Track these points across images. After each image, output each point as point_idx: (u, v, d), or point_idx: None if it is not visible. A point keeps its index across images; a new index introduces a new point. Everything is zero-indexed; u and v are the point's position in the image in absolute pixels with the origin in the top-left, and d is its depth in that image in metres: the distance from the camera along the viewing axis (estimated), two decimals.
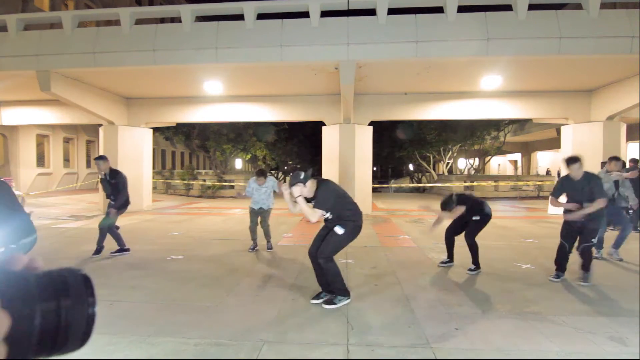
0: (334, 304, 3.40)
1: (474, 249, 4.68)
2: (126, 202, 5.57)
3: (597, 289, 4.00)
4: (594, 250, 4.61)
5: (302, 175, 3.36)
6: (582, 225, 4.16)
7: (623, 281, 4.26)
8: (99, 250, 5.49)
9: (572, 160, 4.11)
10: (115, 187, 5.40)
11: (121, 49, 8.19)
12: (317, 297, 3.59)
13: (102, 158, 5.45)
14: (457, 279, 4.38)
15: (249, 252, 5.79)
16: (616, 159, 5.73)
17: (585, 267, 4.21)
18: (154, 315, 3.24)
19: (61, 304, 0.48)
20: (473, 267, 4.66)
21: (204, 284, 4.16)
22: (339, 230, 3.41)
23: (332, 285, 3.48)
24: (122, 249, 5.59)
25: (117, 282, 4.16)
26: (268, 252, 5.87)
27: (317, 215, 3.37)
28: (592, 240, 4.21)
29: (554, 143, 22.74)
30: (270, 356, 2.54)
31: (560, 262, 4.33)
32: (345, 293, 3.49)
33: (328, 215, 3.47)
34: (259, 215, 5.95)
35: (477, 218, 4.67)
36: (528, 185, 18.97)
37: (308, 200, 3.42)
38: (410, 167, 27.04)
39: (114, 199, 5.43)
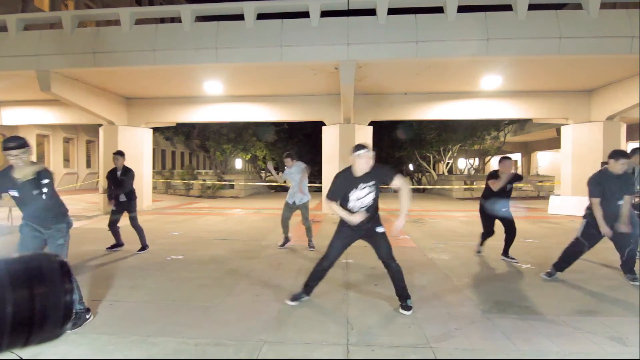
0: (410, 307, 3.24)
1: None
2: (129, 195, 5.68)
3: (597, 289, 4.00)
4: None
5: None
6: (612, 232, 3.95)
7: (623, 281, 4.26)
8: (117, 245, 5.79)
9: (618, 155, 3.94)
10: (122, 182, 5.60)
11: (121, 49, 8.18)
12: (295, 298, 3.50)
13: (121, 154, 5.71)
14: (457, 279, 4.38)
15: (279, 248, 5.96)
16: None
17: (630, 268, 4.11)
18: (154, 315, 3.24)
19: (35, 291, 0.45)
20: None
21: (204, 284, 4.16)
22: (381, 229, 3.25)
23: (404, 289, 3.31)
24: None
25: (117, 282, 4.16)
26: (310, 250, 5.85)
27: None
28: (631, 241, 4.01)
29: (554, 143, 22.73)
30: (270, 356, 2.54)
31: (568, 260, 4.17)
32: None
33: (369, 200, 3.13)
34: (292, 210, 5.91)
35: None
36: (528, 185, 18.95)
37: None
38: (410, 167, 27.03)
39: (117, 192, 5.61)
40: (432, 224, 8.79)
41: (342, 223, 3.30)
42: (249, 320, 3.14)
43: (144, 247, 5.72)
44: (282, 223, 5.97)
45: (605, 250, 5.67)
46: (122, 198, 5.60)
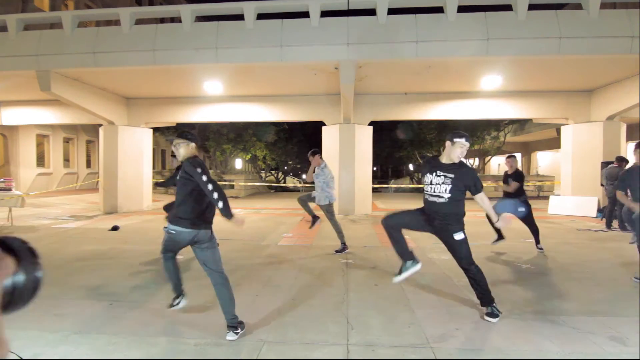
0: (495, 315, 3.07)
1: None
2: None
3: (597, 289, 4.00)
4: None
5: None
6: None
7: (623, 281, 4.26)
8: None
9: None
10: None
11: (121, 49, 8.18)
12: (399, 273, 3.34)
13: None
14: (457, 279, 4.37)
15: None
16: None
17: None
18: (154, 315, 3.24)
19: (22, 266, 0.60)
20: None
21: (204, 284, 4.14)
22: (460, 236, 3.08)
23: (485, 295, 3.16)
24: None
25: (117, 282, 4.16)
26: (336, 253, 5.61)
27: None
28: None
29: (554, 143, 22.73)
30: (270, 356, 2.54)
31: None
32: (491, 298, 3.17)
33: (444, 194, 3.04)
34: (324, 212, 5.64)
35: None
36: (528, 185, 18.97)
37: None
38: (410, 167, 27.04)
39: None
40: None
41: None
42: (248, 320, 3.14)
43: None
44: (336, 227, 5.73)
45: (604, 250, 5.68)
46: None
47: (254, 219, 9.72)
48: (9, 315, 0.61)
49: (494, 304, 3.13)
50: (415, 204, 3.45)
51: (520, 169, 5.81)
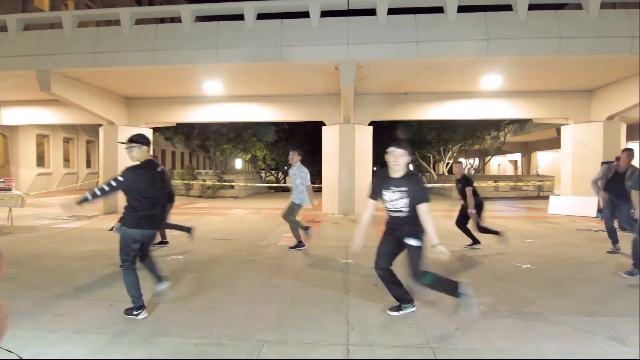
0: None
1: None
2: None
3: (597, 289, 4.00)
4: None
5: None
6: None
7: (623, 281, 4.26)
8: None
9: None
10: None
11: (121, 49, 8.18)
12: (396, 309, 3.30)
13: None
14: (456, 279, 4.37)
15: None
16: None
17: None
18: (154, 315, 3.24)
19: None
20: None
21: (204, 284, 4.16)
22: (414, 242, 3.11)
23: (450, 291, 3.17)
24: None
25: (117, 283, 4.15)
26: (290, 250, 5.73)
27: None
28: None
29: (554, 143, 22.76)
30: (270, 356, 2.54)
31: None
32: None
33: (404, 208, 3.08)
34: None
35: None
36: (528, 185, 18.97)
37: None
38: (410, 167, 27.06)
39: None
40: None
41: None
42: (249, 320, 3.14)
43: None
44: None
45: (604, 250, 5.68)
46: None
47: (254, 219, 9.72)
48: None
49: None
50: None
51: (466, 173, 5.99)
